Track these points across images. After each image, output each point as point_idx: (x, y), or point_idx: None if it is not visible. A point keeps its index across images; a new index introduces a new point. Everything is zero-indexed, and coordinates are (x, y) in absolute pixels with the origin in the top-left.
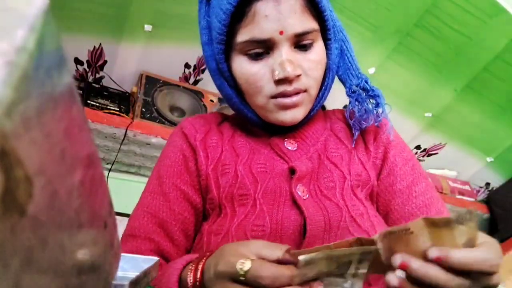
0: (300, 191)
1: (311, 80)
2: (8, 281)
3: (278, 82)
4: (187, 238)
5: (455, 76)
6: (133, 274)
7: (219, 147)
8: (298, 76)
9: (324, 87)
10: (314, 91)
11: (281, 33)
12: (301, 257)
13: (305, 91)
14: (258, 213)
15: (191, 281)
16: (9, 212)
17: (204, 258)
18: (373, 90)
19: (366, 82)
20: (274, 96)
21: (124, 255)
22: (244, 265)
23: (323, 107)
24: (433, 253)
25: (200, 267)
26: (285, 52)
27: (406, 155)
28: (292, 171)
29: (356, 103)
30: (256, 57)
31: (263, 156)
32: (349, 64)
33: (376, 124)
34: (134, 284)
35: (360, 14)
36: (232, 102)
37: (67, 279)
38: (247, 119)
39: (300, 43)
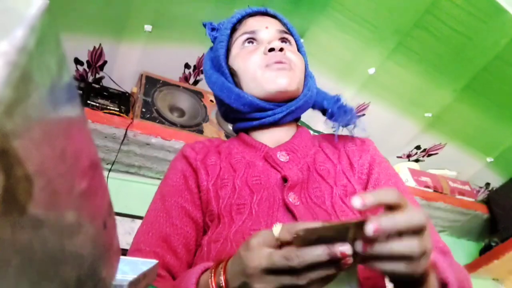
0: (292, 198)
1: (294, 62)
2: (8, 281)
3: (268, 52)
4: (188, 252)
5: (455, 76)
6: (132, 276)
7: (217, 165)
8: (283, 50)
9: (307, 88)
10: (298, 73)
11: (266, 27)
12: (300, 227)
13: (291, 68)
14: (254, 219)
15: (213, 283)
16: (9, 211)
17: (224, 262)
18: (346, 106)
19: (340, 98)
20: (266, 66)
21: (123, 257)
22: None
23: (298, 119)
24: (370, 227)
25: (221, 270)
26: (272, 38)
27: (389, 172)
28: (284, 180)
29: (336, 108)
30: (249, 43)
31: (258, 169)
32: (321, 93)
33: (353, 125)
34: (133, 285)
35: (360, 14)
36: (232, 92)
37: (67, 279)
38: (248, 105)
39: (282, 36)
